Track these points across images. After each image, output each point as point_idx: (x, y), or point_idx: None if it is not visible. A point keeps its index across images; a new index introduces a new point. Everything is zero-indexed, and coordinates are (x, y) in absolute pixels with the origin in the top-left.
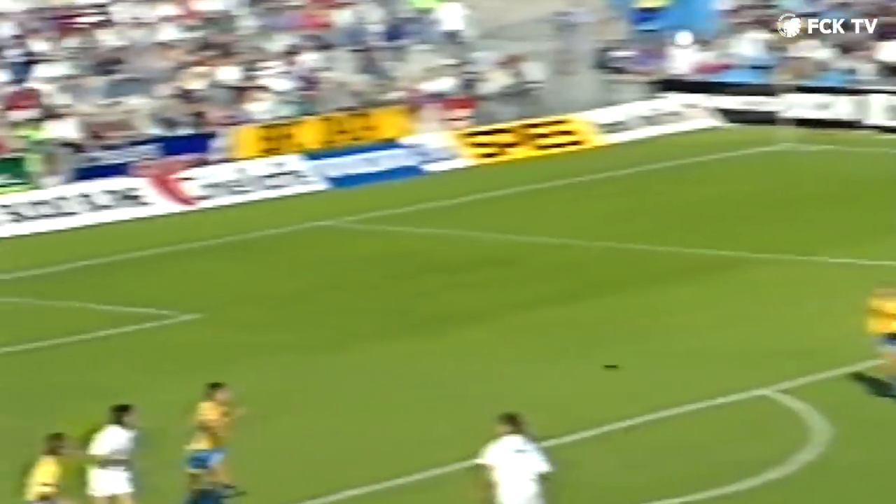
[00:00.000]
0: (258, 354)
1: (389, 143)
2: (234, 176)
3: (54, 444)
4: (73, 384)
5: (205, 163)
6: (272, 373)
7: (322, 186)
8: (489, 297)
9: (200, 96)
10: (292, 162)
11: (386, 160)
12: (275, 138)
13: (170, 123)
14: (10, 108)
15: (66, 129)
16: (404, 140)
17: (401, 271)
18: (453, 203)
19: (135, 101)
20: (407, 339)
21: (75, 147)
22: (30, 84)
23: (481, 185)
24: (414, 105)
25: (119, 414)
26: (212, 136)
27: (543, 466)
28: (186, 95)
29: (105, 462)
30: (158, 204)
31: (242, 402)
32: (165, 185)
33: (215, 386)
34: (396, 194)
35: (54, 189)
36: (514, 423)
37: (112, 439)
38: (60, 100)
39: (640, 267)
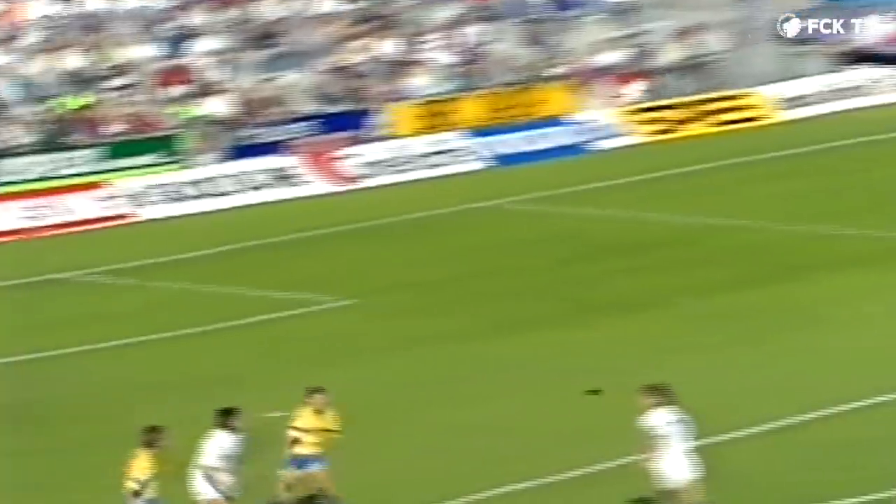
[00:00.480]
0: (414, 343)
1: (555, 120)
2: (392, 154)
3: (150, 437)
4: (223, 373)
5: (362, 141)
6: (428, 362)
7: (483, 165)
8: (658, 283)
9: (359, 71)
10: (453, 140)
11: (551, 138)
12: (435, 115)
13: (327, 99)
14: (163, 84)
15: (220, 106)
16: (571, 117)
17: (564, 255)
18: (622, 183)
19: (291, 77)
20: (570, 327)
21: (229, 124)
22: (184, 59)
23: (652, 164)
24: (581, 80)
25: (225, 418)
26: (370, 112)
27: (690, 437)
28: (344, 70)
29: (208, 468)
30: (314, 183)
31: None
32: (321, 164)
33: (314, 390)
34: (562, 173)
35: (207, 168)
36: (661, 393)
37: (217, 444)
38: (215, 75)
39: (823, 251)
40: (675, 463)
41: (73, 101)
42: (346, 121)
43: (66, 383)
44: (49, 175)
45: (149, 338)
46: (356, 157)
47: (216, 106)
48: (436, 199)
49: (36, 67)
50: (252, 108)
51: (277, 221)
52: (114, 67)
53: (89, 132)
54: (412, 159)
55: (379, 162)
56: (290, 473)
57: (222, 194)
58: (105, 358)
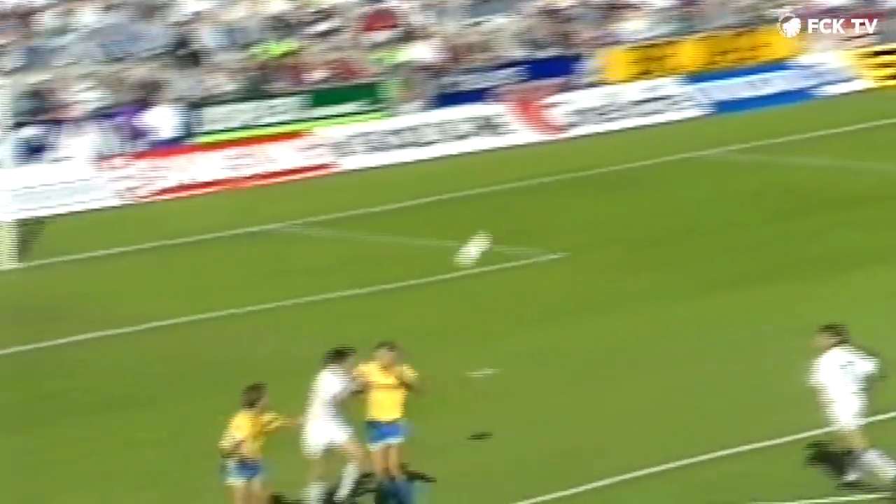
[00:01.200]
0: (625, 300)
1: (778, 64)
2: (603, 101)
3: (251, 397)
4: (426, 329)
5: (572, 87)
6: (638, 320)
7: (701, 112)
8: (887, 237)
9: (568, 15)
10: (668, 86)
11: (774, 83)
12: (649, 60)
13: (535, 45)
14: (367, 29)
15: (424, 52)
16: (795, 60)
17: (787, 208)
18: (850, 130)
19: (498, 21)
20: (790, 282)
21: (434, 71)
22: (388, 3)
23: (883, 111)
24: (808, 21)
25: (335, 358)
26: (580, 58)
27: (870, 368)
28: (553, 14)
29: (320, 411)
30: (521, 132)
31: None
32: (529, 112)
33: (381, 345)
34: (785, 120)
35: (411, 116)
36: (837, 333)
37: (327, 386)
38: (420, 20)
39: None
40: (847, 404)
41: (275, 48)
42: (554, 67)
43: (264, 339)
44: (251, 124)
45: (348, 293)
46: (565, 105)
47: (421, 52)
48: (650, 149)
49: (238, 13)
50: (458, 54)
51: (482, 172)
52: (317, 12)
53: (292, 80)
54: (624, 107)
55: (589, 110)
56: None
57: (426, 144)
58: (301, 313)
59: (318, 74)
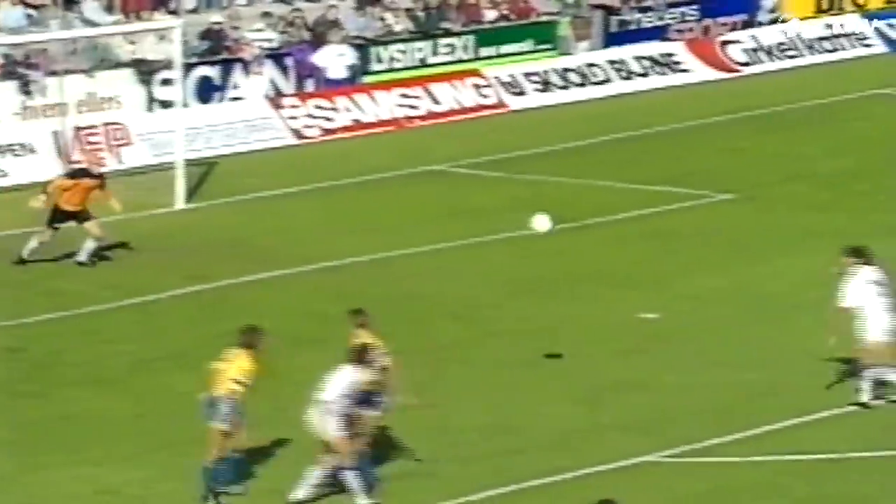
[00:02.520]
0: (807, 240)
1: None
2: (782, 39)
3: (251, 339)
4: (598, 271)
5: (750, 24)
6: (824, 259)
7: (884, 50)
8: None
9: None
10: (851, 22)
11: None
12: None
13: None
14: None
15: None
16: None
17: None
18: None
19: None
20: None
21: (608, 9)
22: None
23: None
24: None
25: (358, 353)
26: None
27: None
28: None
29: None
30: (697, 71)
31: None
32: (705, 50)
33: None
34: None
35: (584, 55)
36: (861, 254)
37: (344, 380)
38: None
39: None
40: (875, 322)
41: None
42: (732, 3)
43: (432, 279)
44: (422, 63)
45: (517, 234)
46: (742, 43)
47: None
48: (830, 87)
49: None
50: None
51: (658, 111)
52: None
53: (464, 18)
54: (805, 44)
55: (767, 47)
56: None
57: (600, 82)
58: (470, 254)
59: (490, 13)
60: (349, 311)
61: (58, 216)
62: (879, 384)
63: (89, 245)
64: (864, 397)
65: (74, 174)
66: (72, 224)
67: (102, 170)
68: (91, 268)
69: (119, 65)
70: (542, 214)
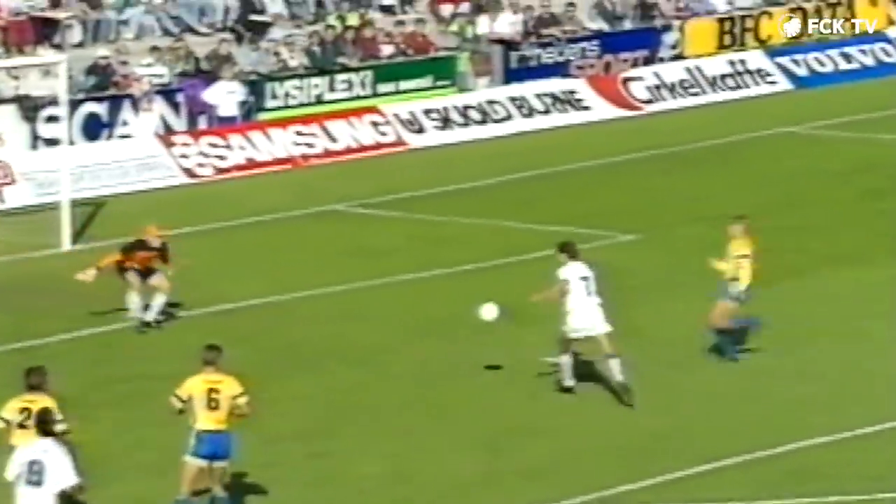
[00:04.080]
0: (709, 281)
1: (871, 37)
2: (685, 76)
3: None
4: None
5: (652, 61)
6: None
7: (788, 87)
8: None
9: None
10: (754, 59)
11: (865, 56)
12: (733, 32)
13: (613, 17)
14: (437, 0)
15: (499, 25)
16: (890, 32)
17: (878, 186)
18: None
19: None
20: (884, 265)
21: (508, 44)
22: None
23: None
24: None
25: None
26: (661, 30)
27: None
28: None
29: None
30: (599, 108)
31: None
32: (607, 87)
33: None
34: (877, 96)
35: (484, 92)
36: (569, 250)
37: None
38: None
39: None
40: (577, 315)
41: (344, 19)
42: (634, 40)
43: (331, 322)
44: (318, 100)
45: (416, 275)
46: (645, 80)
47: (495, 25)
48: (734, 125)
49: None
50: (533, 27)
51: (559, 149)
52: None
53: (361, 53)
54: (707, 81)
55: (670, 85)
56: None
57: (500, 120)
58: (369, 295)
59: (387, 48)
60: (205, 347)
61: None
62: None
63: (159, 301)
64: (568, 382)
65: (130, 247)
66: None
67: (157, 242)
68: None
69: (1, 101)
70: (491, 304)
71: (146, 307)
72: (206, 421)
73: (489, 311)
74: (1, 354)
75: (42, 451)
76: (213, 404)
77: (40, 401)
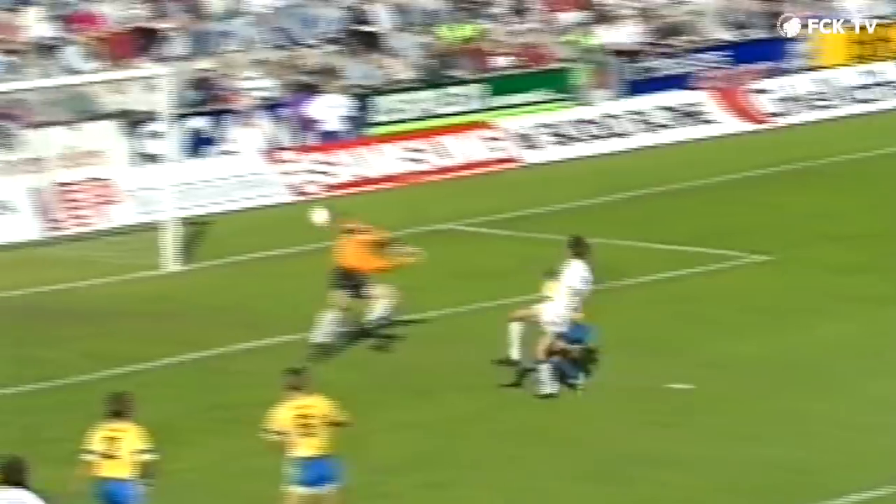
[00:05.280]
0: (840, 305)
1: None
2: (815, 88)
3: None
4: (618, 336)
5: (781, 73)
6: (857, 326)
7: None
8: None
9: None
10: (889, 70)
11: None
12: (868, 42)
13: (740, 26)
14: (555, 10)
15: (619, 35)
16: None
17: None
18: None
19: (700, 0)
20: None
21: (629, 55)
22: None
23: None
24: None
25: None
26: (791, 40)
27: None
28: None
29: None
30: (724, 122)
31: None
32: (733, 100)
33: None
34: None
35: (603, 105)
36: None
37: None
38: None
39: None
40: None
41: (456, 31)
42: (762, 50)
43: (439, 347)
44: (429, 114)
45: (530, 297)
46: (773, 92)
47: (614, 35)
48: (868, 139)
49: None
50: (655, 37)
51: (682, 165)
52: None
53: (473, 65)
54: (839, 93)
55: (800, 97)
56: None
57: (620, 135)
58: (478, 319)
59: (501, 60)
60: (288, 372)
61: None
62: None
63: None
64: (548, 389)
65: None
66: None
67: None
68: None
69: (104, 116)
70: (322, 209)
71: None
72: (304, 448)
73: (320, 216)
74: (102, 380)
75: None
76: (308, 431)
77: (124, 429)
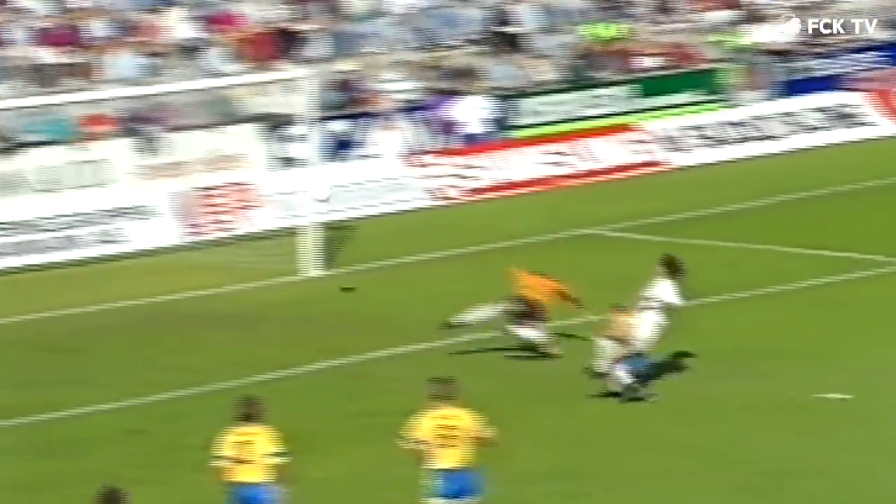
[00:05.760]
0: None
1: None
2: None
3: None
4: (765, 346)
5: None
6: None
7: None
8: None
9: None
10: None
11: None
12: None
13: None
14: (701, 8)
15: (770, 34)
16: None
17: None
18: None
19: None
20: None
21: (781, 55)
22: None
23: None
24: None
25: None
26: None
27: None
28: None
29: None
30: (881, 124)
31: None
32: (888, 101)
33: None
34: None
35: (753, 107)
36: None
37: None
38: None
39: None
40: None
41: (602, 31)
42: None
43: (584, 355)
44: (573, 116)
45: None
46: None
47: (766, 34)
48: None
49: None
50: (808, 37)
51: (836, 168)
52: None
53: (619, 66)
54: None
55: None
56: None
57: (771, 137)
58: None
59: (648, 61)
60: (433, 381)
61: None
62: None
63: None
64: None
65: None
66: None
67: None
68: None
69: (244, 119)
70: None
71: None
72: (445, 459)
73: (322, 191)
74: (242, 387)
75: None
76: (448, 442)
77: (255, 432)
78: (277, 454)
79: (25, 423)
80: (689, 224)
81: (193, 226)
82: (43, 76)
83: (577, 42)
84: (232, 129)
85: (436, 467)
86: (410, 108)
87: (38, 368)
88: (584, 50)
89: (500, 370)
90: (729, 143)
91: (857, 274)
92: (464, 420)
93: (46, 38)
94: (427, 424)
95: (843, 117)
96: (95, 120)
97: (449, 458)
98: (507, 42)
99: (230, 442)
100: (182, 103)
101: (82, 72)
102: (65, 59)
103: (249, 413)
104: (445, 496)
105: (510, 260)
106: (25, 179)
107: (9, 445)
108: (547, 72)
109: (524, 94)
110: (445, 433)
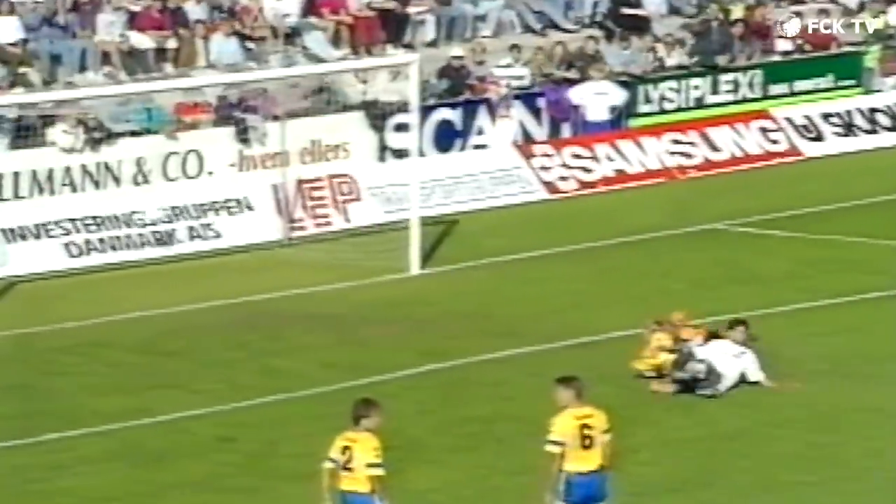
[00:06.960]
0: None
1: None
2: None
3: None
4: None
5: None
6: None
7: None
8: None
9: None
10: None
11: None
12: None
13: None
14: None
15: None
16: None
17: None
18: None
19: None
20: None
21: None
22: None
23: None
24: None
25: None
26: None
27: None
28: None
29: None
30: None
31: None
32: None
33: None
34: None
35: (893, 93)
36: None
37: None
38: None
39: None
40: None
41: (729, 12)
42: None
43: None
44: (699, 103)
45: (808, 305)
46: None
47: None
48: None
49: None
50: None
51: None
52: None
53: (750, 49)
54: None
55: None
56: None
57: None
58: (756, 326)
59: (783, 45)
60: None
61: None
62: None
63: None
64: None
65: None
66: None
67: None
68: None
69: (347, 107)
70: None
71: None
72: (578, 462)
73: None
74: (341, 391)
75: None
76: (586, 442)
77: (358, 438)
78: (372, 465)
79: (116, 429)
80: (822, 218)
81: (293, 220)
82: (136, 62)
83: (704, 24)
84: (334, 118)
85: (567, 470)
86: (524, 96)
87: (129, 372)
88: (713, 32)
89: (614, 376)
90: (868, 132)
91: None
92: (598, 418)
93: (139, 21)
94: (569, 423)
95: None
96: (191, 108)
97: (584, 460)
98: (629, 25)
99: (338, 446)
100: (282, 91)
101: (177, 58)
102: (159, 44)
103: (358, 416)
104: (572, 501)
105: (626, 256)
106: (117, 171)
107: (98, 454)
108: (671, 56)
109: (647, 80)
110: (586, 432)
